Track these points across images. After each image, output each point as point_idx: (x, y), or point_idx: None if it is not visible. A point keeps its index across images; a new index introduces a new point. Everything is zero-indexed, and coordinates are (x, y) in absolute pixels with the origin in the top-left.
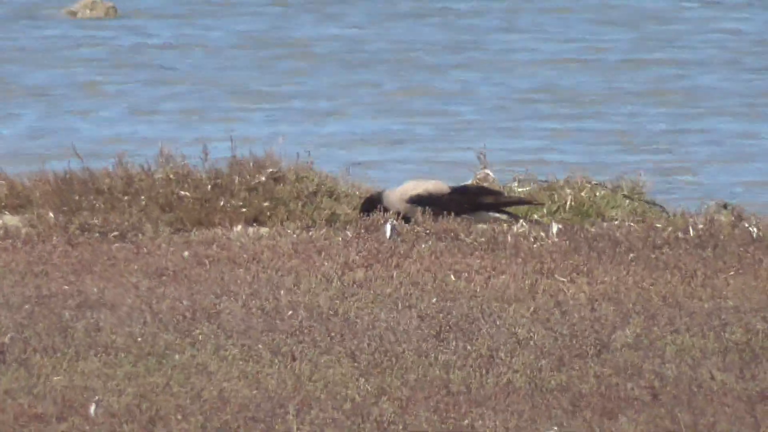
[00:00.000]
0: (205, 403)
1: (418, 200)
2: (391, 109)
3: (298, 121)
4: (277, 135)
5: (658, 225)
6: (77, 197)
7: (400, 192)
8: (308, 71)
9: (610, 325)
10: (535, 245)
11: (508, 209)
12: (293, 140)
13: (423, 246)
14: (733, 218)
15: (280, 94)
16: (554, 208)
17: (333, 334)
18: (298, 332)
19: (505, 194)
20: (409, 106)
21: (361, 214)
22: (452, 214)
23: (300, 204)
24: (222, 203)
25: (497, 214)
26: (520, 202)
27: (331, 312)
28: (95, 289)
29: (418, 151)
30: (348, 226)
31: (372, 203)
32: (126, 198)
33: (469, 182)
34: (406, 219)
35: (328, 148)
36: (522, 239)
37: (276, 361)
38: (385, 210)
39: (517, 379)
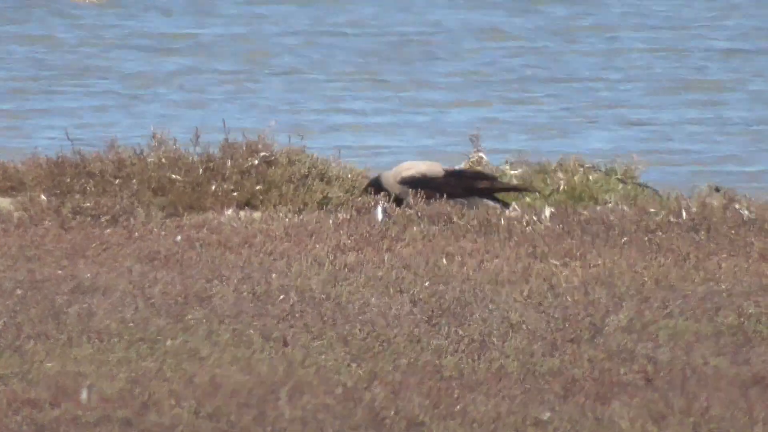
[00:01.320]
0: (197, 388)
1: (411, 182)
2: None
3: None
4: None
5: (651, 209)
6: (69, 180)
7: (394, 173)
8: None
9: (603, 309)
10: (528, 228)
11: (499, 197)
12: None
13: (415, 229)
14: (725, 201)
15: None
16: (547, 192)
17: (325, 318)
18: (289, 317)
19: (500, 180)
20: None
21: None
22: (445, 197)
23: (292, 187)
24: (214, 187)
25: (490, 201)
26: (515, 189)
27: (322, 296)
28: (88, 274)
29: None
30: (340, 209)
31: (373, 186)
32: (117, 182)
33: (463, 165)
34: (398, 201)
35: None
36: (515, 223)
37: (268, 346)
38: (385, 191)
39: (510, 363)
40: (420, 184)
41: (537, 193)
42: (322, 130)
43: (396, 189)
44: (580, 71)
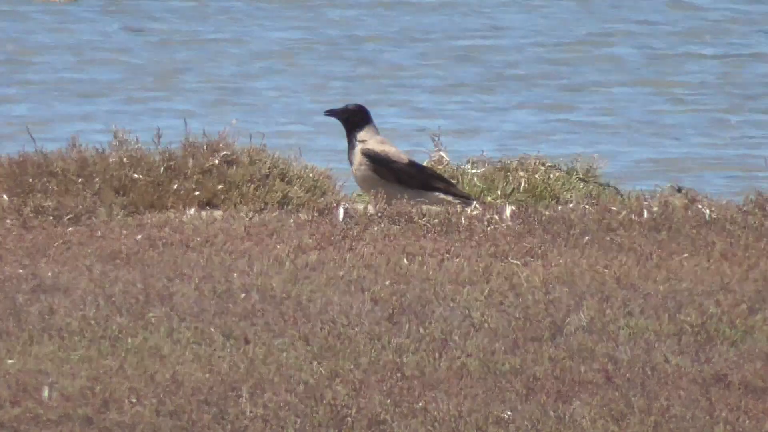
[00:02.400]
0: (158, 386)
1: (373, 156)
2: None
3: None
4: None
5: (613, 207)
6: (31, 179)
7: (365, 141)
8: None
9: (565, 308)
10: (489, 228)
11: (465, 190)
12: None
13: (376, 228)
14: (686, 201)
15: None
16: (509, 190)
17: (286, 317)
18: (251, 315)
19: (457, 187)
20: None
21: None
22: (398, 184)
23: (252, 187)
24: (175, 186)
25: (447, 196)
26: (465, 196)
27: (284, 295)
28: (49, 273)
29: None
30: (301, 209)
31: (349, 116)
32: (80, 181)
33: (424, 164)
34: (350, 160)
35: None
36: (476, 222)
37: (229, 344)
38: (350, 142)
39: (471, 362)
40: (380, 162)
41: (497, 190)
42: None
43: (357, 158)
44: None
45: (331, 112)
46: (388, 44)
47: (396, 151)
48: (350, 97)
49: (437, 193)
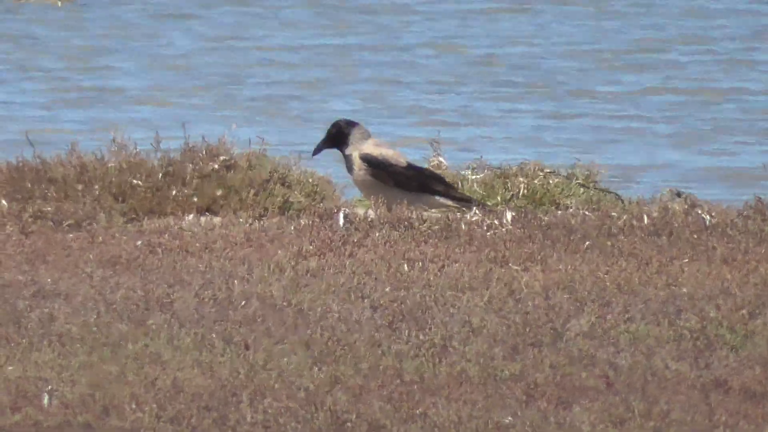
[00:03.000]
0: (159, 392)
1: (371, 161)
2: None
3: None
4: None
5: (613, 213)
6: (30, 185)
7: (361, 143)
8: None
9: (565, 314)
10: (489, 233)
11: (465, 192)
12: None
13: (377, 235)
14: (686, 206)
15: None
16: (508, 196)
17: (286, 323)
18: (251, 321)
19: (457, 190)
20: None
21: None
22: (396, 187)
23: (252, 192)
24: (174, 192)
25: (446, 200)
26: (466, 200)
27: (284, 302)
28: (49, 279)
29: None
30: (301, 215)
31: (335, 133)
32: (79, 186)
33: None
34: (349, 168)
35: None
36: (476, 227)
37: (229, 350)
38: (344, 149)
39: (471, 368)
40: (379, 165)
41: (497, 195)
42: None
43: (355, 162)
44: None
45: (317, 150)
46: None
47: (394, 153)
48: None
49: (437, 197)
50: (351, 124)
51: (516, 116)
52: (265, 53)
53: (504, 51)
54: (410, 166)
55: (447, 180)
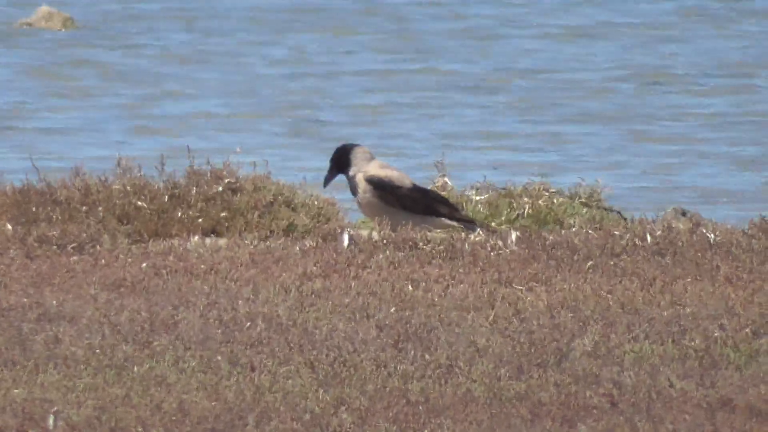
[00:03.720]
0: (164, 415)
1: (376, 182)
2: None
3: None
4: None
5: (617, 232)
6: (34, 208)
7: (364, 165)
8: None
9: (569, 333)
10: (493, 254)
11: (468, 214)
12: None
13: (381, 256)
14: (691, 225)
15: None
16: (513, 216)
17: (292, 344)
18: (256, 343)
19: (461, 212)
20: None
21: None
22: (401, 208)
23: (257, 214)
24: (179, 214)
25: (450, 222)
26: (469, 221)
27: (289, 322)
28: (54, 302)
29: None
30: (306, 236)
31: (339, 158)
32: (84, 209)
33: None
34: (353, 190)
35: None
36: (480, 248)
37: (235, 372)
38: (347, 173)
39: (476, 388)
40: (384, 187)
41: (501, 216)
42: None
43: (360, 184)
44: None
45: (326, 180)
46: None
47: (399, 175)
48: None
49: (441, 218)
50: (352, 146)
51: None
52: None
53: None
54: (415, 188)
55: (451, 201)
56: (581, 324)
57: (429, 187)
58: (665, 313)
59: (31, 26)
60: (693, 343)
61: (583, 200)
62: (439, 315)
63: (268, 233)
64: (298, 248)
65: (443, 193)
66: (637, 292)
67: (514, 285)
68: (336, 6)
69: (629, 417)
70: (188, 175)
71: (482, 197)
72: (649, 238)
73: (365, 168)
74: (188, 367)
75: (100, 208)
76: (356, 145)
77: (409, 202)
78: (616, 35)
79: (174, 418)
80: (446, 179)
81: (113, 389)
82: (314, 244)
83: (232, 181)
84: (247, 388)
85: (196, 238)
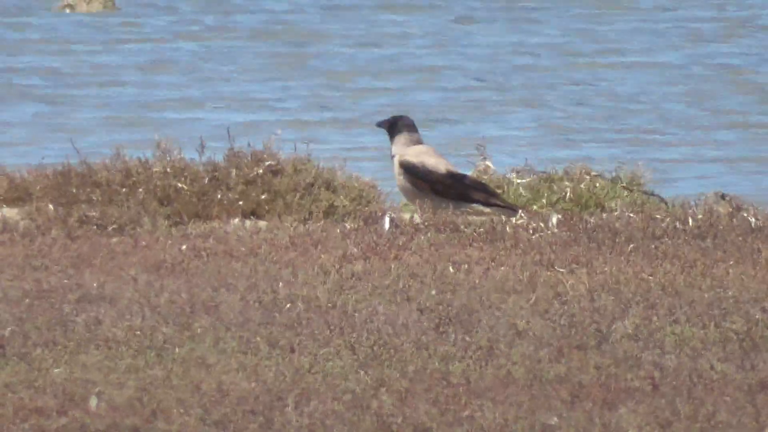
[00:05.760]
0: (204, 396)
1: (409, 168)
2: None
3: None
4: None
5: (657, 216)
6: (75, 190)
7: (404, 149)
8: None
9: (610, 316)
10: (534, 236)
11: (507, 200)
12: None
13: (422, 238)
14: (731, 209)
15: None
16: (554, 199)
17: (332, 326)
18: (296, 325)
19: (500, 196)
20: None
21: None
22: (435, 193)
23: (297, 196)
24: (219, 196)
25: (485, 208)
26: (508, 206)
27: (329, 305)
28: (94, 283)
29: None
30: (346, 218)
31: (389, 124)
32: (124, 191)
33: (469, 173)
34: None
35: None
36: (521, 230)
37: (274, 353)
38: (392, 150)
39: (517, 370)
40: (415, 173)
41: (542, 199)
42: None
43: (395, 167)
44: None
45: (379, 123)
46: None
47: (435, 161)
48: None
49: (476, 204)
50: (401, 127)
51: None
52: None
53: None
54: (450, 175)
55: (489, 187)
56: (622, 306)
57: (469, 173)
58: (706, 296)
59: (73, 9)
60: (734, 326)
61: (623, 184)
62: (480, 297)
63: (308, 215)
64: (338, 230)
65: (485, 177)
66: (678, 275)
67: (555, 267)
68: None
69: (670, 400)
70: (228, 158)
71: (523, 180)
72: (690, 221)
73: (403, 151)
74: (228, 349)
75: (141, 190)
76: (407, 128)
77: (440, 188)
78: None
79: (213, 399)
80: (488, 162)
81: (154, 371)
82: (355, 227)
83: (273, 163)
84: (286, 369)
85: (236, 220)
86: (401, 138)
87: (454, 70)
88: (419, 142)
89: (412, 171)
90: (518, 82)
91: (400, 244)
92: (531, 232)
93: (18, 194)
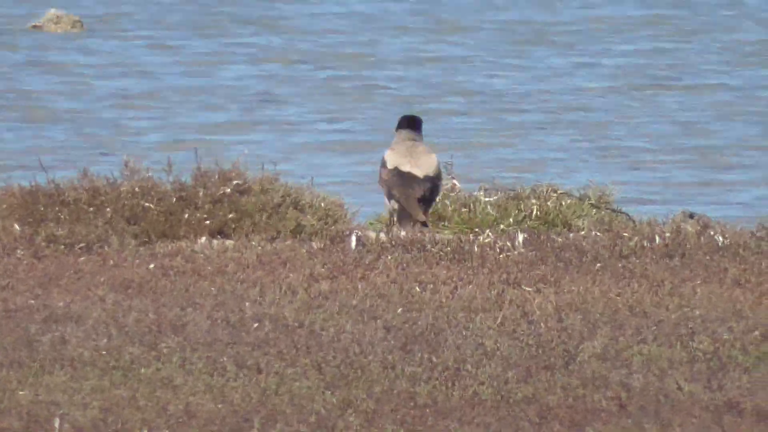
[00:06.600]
0: (171, 416)
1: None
2: None
3: None
4: None
5: (625, 234)
6: (42, 209)
7: (391, 146)
8: None
9: (578, 336)
10: (501, 255)
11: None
12: None
13: (389, 257)
14: (699, 227)
15: None
16: (521, 218)
17: (299, 346)
18: (263, 344)
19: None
20: None
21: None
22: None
23: (265, 216)
24: (187, 215)
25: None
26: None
27: (296, 324)
28: (61, 303)
29: None
30: (313, 238)
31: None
32: (92, 210)
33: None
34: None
35: None
36: (488, 249)
37: (241, 374)
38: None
39: (484, 390)
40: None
41: (509, 217)
42: None
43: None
44: None
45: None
46: None
47: (395, 158)
48: None
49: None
50: (402, 125)
51: None
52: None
53: None
54: (392, 171)
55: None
56: (590, 326)
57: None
58: (674, 316)
59: (41, 29)
60: (701, 346)
61: (592, 202)
62: (447, 317)
63: (276, 234)
64: (305, 250)
65: (451, 195)
66: (646, 294)
67: (522, 286)
68: None
69: (637, 420)
70: (196, 177)
71: (491, 199)
72: (657, 240)
73: (391, 147)
74: (195, 369)
75: (108, 209)
76: (407, 127)
77: (379, 181)
78: None
79: (180, 420)
80: (455, 181)
81: (120, 391)
82: (322, 246)
83: (240, 182)
84: (253, 390)
85: (204, 239)
86: (399, 134)
87: None
88: (411, 139)
89: (381, 163)
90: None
91: (367, 263)
92: (498, 251)
93: None
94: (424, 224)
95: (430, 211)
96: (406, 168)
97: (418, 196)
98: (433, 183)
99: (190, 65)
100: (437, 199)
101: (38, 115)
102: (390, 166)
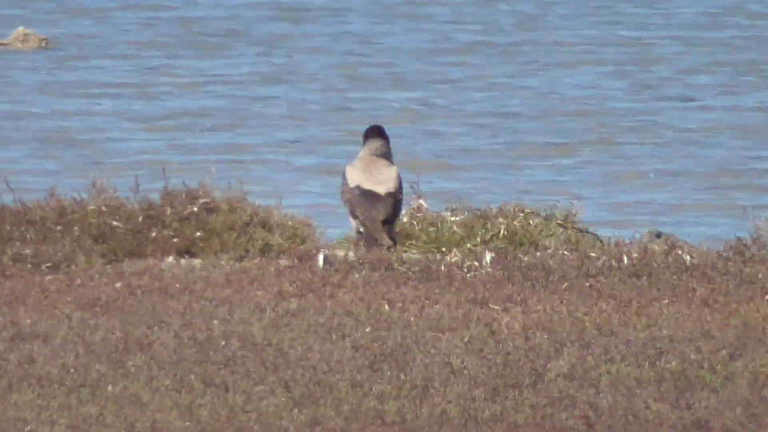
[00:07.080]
0: None
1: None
2: None
3: None
4: None
5: (592, 254)
6: (9, 228)
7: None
8: None
9: (545, 355)
10: (468, 274)
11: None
12: None
13: (357, 276)
14: (666, 247)
15: None
16: (488, 237)
17: (267, 364)
18: (231, 362)
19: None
20: None
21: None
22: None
23: (233, 234)
24: (154, 234)
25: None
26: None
27: (264, 342)
28: (28, 321)
29: None
30: (281, 256)
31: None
32: (59, 229)
33: (402, 213)
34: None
35: None
36: (455, 268)
37: (209, 391)
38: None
39: (452, 409)
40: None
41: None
42: None
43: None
44: None
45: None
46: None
47: (356, 174)
48: None
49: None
50: (368, 136)
51: None
52: None
53: None
54: (354, 189)
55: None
56: (557, 345)
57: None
58: (641, 335)
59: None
60: (669, 366)
61: (559, 221)
62: (415, 335)
63: (244, 253)
64: (273, 268)
65: (418, 215)
66: (613, 314)
67: (489, 306)
68: None
69: None
70: (163, 195)
71: (457, 218)
72: (625, 259)
73: (350, 163)
74: (162, 387)
75: (76, 228)
76: (373, 138)
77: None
78: None
79: None
80: (421, 201)
81: (87, 408)
82: (290, 264)
83: (208, 201)
84: (221, 407)
85: (171, 258)
86: (366, 146)
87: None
88: (373, 151)
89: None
90: None
91: (335, 281)
92: (465, 270)
93: None
94: (391, 247)
95: (396, 228)
96: (367, 186)
97: (381, 219)
98: (395, 198)
99: (160, 86)
100: (401, 213)
101: (2, 134)
102: (351, 184)
